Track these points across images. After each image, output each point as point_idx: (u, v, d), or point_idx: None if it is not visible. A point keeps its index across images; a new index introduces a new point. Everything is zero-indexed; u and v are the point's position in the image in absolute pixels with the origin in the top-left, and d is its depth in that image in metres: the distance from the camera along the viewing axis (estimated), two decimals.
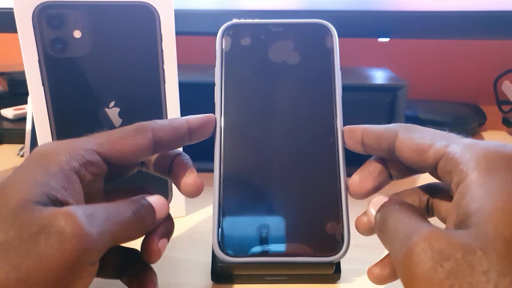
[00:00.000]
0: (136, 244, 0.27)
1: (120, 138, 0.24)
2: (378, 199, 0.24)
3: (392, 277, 0.25)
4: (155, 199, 0.24)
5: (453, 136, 0.23)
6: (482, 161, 0.20)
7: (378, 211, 0.23)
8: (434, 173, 0.24)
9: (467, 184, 0.20)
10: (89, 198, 0.23)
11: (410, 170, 0.26)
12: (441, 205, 0.26)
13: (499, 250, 0.16)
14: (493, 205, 0.18)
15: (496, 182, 0.19)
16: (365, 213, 0.27)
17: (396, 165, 0.27)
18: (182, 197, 0.37)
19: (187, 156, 0.28)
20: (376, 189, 0.27)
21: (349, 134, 0.27)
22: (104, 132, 0.24)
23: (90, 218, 0.20)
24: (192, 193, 0.26)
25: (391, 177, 0.27)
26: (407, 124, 0.25)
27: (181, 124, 0.26)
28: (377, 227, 0.23)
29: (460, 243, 0.17)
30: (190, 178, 0.26)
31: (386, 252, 0.30)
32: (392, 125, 0.25)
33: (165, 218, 0.26)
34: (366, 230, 0.26)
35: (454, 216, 0.20)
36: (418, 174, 0.27)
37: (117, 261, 0.26)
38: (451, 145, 0.22)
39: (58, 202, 0.20)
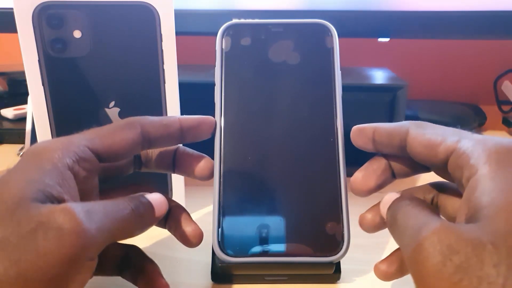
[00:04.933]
0: (136, 241, 0.27)
1: (109, 133, 0.24)
2: (390, 197, 0.24)
3: (398, 273, 0.25)
4: (154, 197, 0.24)
5: (464, 132, 0.23)
6: (493, 156, 0.20)
7: (389, 208, 0.24)
8: (443, 170, 0.24)
9: (477, 178, 0.20)
10: (84, 195, 0.23)
11: (414, 169, 0.27)
12: (447, 203, 0.26)
13: (510, 244, 0.17)
14: (504, 199, 0.18)
15: (508, 176, 0.19)
16: (369, 210, 0.27)
17: (400, 164, 0.27)
18: (182, 196, 0.37)
19: (188, 148, 0.28)
20: (378, 187, 0.27)
21: (359, 132, 0.27)
22: (95, 128, 0.25)
23: (89, 214, 0.20)
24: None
25: (394, 176, 0.27)
26: (418, 121, 0.25)
27: (173, 122, 0.26)
28: (388, 224, 0.23)
29: (470, 237, 0.17)
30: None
31: (387, 251, 0.30)
32: (403, 122, 0.25)
33: (178, 209, 0.27)
34: (370, 227, 0.26)
35: (464, 210, 0.20)
36: (422, 173, 0.27)
37: (117, 257, 0.26)
38: (462, 141, 0.22)
39: (54, 199, 0.20)
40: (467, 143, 0.21)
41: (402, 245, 0.21)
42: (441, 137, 0.23)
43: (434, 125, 0.25)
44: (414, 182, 0.33)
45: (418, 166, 0.26)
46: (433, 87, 0.73)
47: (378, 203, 0.26)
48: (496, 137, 0.21)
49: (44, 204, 0.19)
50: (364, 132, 0.27)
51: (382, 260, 0.26)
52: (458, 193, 0.25)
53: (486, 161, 0.20)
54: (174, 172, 0.29)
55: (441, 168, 0.24)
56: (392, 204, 0.23)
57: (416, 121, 0.25)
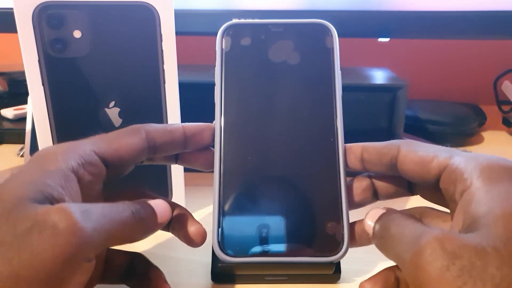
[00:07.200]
0: (138, 248, 0.27)
1: (115, 138, 0.25)
2: (375, 211, 0.24)
3: None
4: (157, 203, 0.24)
5: (455, 149, 0.24)
6: (486, 171, 0.21)
7: (377, 221, 0.24)
8: (432, 191, 0.25)
9: (472, 191, 0.20)
10: (88, 200, 0.23)
11: (398, 191, 0.27)
12: (431, 225, 0.26)
13: (511, 248, 0.17)
14: (501, 208, 0.18)
15: (502, 189, 0.20)
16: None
17: (385, 186, 0.27)
18: (182, 196, 0.37)
19: None
20: (356, 206, 0.28)
21: (348, 151, 0.27)
22: (101, 134, 0.25)
23: (85, 214, 0.19)
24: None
25: (376, 197, 0.28)
26: (409, 140, 0.26)
27: (176, 128, 0.26)
28: (377, 236, 0.23)
29: (471, 243, 0.18)
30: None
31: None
32: (393, 141, 0.26)
33: (180, 210, 0.27)
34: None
35: (459, 222, 0.20)
36: (406, 197, 0.28)
37: (121, 265, 0.26)
38: (454, 157, 0.23)
39: (54, 200, 0.20)
40: (460, 159, 0.22)
41: (398, 252, 0.21)
42: (433, 154, 0.23)
43: (425, 143, 0.25)
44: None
45: (402, 189, 0.27)
46: (433, 87, 0.73)
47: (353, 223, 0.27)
48: (486, 154, 0.22)
49: (43, 204, 0.19)
50: (352, 151, 0.27)
51: (367, 279, 0.25)
52: (440, 218, 0.26)
53: (479, 175, 0.20)
54: (176, 163, 0.29)
55: (431, 186, 0.24)
56: (383, 216, 0.24)
57: (407, 140, 0.26)
